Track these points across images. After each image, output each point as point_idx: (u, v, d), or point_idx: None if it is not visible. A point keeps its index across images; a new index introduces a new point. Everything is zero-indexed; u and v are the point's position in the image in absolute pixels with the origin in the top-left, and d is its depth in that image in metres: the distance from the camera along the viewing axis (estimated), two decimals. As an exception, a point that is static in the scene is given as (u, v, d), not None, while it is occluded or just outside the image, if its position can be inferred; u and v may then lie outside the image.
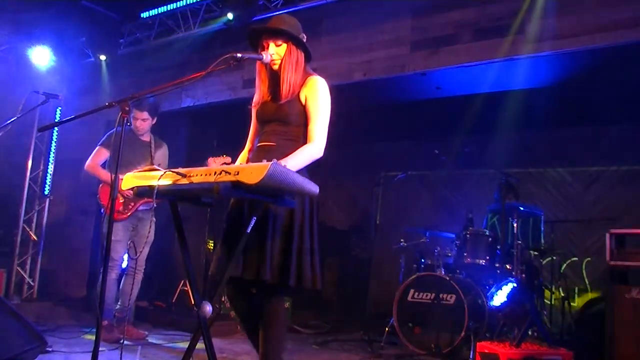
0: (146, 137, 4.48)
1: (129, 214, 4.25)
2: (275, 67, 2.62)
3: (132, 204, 4.25)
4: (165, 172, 2.20)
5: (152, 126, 4.49)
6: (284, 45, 2.60)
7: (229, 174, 2.01)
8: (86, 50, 6.39)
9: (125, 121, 2.36)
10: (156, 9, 5.99)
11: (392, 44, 4.95)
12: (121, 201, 4.24)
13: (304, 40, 2.65)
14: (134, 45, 6.46)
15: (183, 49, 6.25)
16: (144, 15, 6.12)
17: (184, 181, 2.14)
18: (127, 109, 2.34)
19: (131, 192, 4.11)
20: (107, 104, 2.42)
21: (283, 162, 2.27)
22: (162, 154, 4.58)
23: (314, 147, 2.52)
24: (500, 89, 5.03)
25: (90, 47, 6.30)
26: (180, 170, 2.21)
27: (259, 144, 2.65)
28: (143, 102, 4.27)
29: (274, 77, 2.65)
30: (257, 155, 2.57)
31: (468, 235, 4.49)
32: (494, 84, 4.92)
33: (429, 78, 4.92)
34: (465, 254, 4.45)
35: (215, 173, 2.03)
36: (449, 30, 4.65)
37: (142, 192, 2.36)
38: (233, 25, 5.15)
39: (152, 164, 4.38)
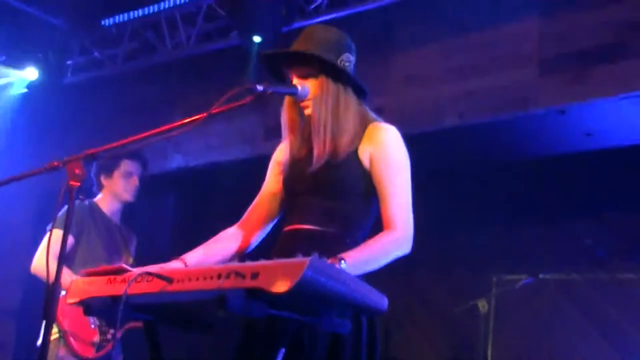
0: (117, 218, 4.64)
1: (103, 352, 4.31)
2: (308, 111, 2.72)
3: (112, 331, 4.32)
4: (139, 274, 2.26)
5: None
6: (315, 79, 2.69)
7: (242, 276, 2.04)
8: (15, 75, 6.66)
9: (75, 192, 2.45)
10: (126, 14, 6.29)
11: (508, 64, 5.03)
12: (93, 327, 4.32)
13: (350, 65, 2.73)
14: (90, 69, 6.77)
15: (169, 77, 6.50)
16: (107, 22, 6.43)
17: (169, 288, 2.19)
18: (78, 172, 2.44)
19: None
20: (46, 165, 2.51)
21: (348, 260, 2.31)
22: (134, 248, 4.74)
23: (398, 238, 2.57)
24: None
25: (18, 69, 6.56)
26: (163, 270, 2.27)
27: (288, 228, 2.71)
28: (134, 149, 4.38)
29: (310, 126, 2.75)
30: (287, 245, 2.62)
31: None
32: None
33: (571, 118, 4.94)
34: None
35: (220, 275, 2.07)
36: (607, 38, 4.70)
37: (98, 308, 2.41)
38: (260, 45, 5.31)
39: (129, 260, 4.52)
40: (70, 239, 4.35)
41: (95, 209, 4.52)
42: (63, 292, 4.16)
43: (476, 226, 6.62)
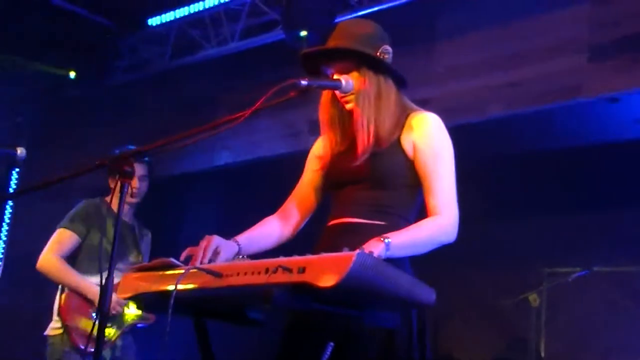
0: (128, 217, 4.73)
1: (110, 342, 4.45)
2: (349, 106, 2.75)
3: (113, 326, 4.46)
4: (188, 270, 2.31)
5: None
6: (357, 72, 2.71)
7: (289, 271, 2.07)
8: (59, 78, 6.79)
9: (127, 189, 2.52)
10: (173, 12, 6.39)
11: (557, 52, 5.01)
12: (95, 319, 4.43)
13: (388, 56, 2.75)
14: (136, 70, 6.90)
15: (215, 74, 6.58)
16: (153, 22, 6.55)
17: (218, 283, 2.23)
18: (128, 169, 2.51)
19: (122, 307, 4.37)
20: (96, 162, 2.60)
21: (393, 240, 2.35)
22: (147, 245, 4.85)
23: (444, 224, 2.58)
24: None
25: (68, 71, 6.70)
26: (212, 266, 2.31)
27: (333, 222, 2.74)
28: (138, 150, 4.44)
29: (351, 120, 2.77)
30: (333, 238, 2.65)
31: None
32: None
33: (624, 106, 4.90)
34: None
35: (267, 270, 2.11)
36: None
37: (149, 303, 2.47)
38: (307, 39, 5.34)
39: (138, 258, 4.67)
40: (76, 237, 4.51)
41: (105, 207, 4.62)
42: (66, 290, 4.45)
43: (527, 217, 6.58)
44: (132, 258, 4.65)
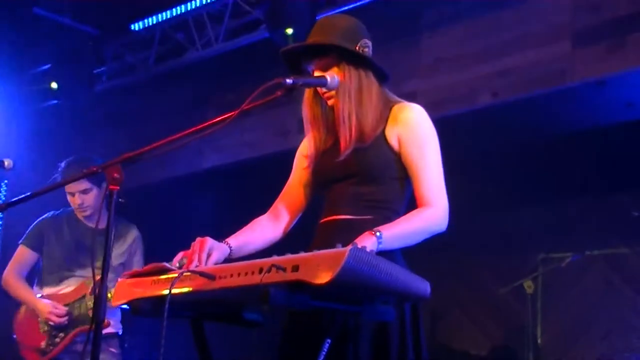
0: (102, 222, 4.70)
1: (49, 356, 4.44)
2: (332, 102, 2.75)
3: (62, 335, 4.44)
4: (182, 273, 2.32)
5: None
6: (337, 68, 2.71)
7: (283, 269, 2.08)
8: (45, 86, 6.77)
9: (116, 196, 2.52)
10: (155, 17, 6.38)
11: (541, 40, 5.01)
12: (42, 331, 4.46)
13: (369, 50, 2.75)
14: (122, 75, 6.89)
15: (201, 76, 6.58)
16: (136, 27, 6.54)
17: (212, 286, 2.24)
18: (117, 176, 2.50)
19: (59, 317, 4.36)
20: (84, 171, 2.61)
21: (384, 232, 2.37)
22: (129, 245, 4.76)
23: (434, 213, 2.58)
24: None
25: (51, 81, 6.69)
26: (205, 268, 2.32)
27: (325, 219, 2.75)
28: (78, 164, 4.43)
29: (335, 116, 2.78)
30: (325, 236, 2.66)
31: None
32: None
33: (610, 90, 4.91)
34: None
35: (261, 270, 2.12)
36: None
37: (145, 308, 2.48)
38: (293, 36, 5.32)
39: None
40: (32, 253, 4.63)
41: (66, 218, 4.67)
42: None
43: (518, 205, 6.60)
44: (98, 264, 4.57)
